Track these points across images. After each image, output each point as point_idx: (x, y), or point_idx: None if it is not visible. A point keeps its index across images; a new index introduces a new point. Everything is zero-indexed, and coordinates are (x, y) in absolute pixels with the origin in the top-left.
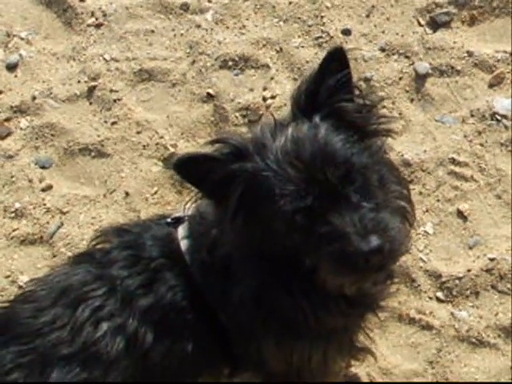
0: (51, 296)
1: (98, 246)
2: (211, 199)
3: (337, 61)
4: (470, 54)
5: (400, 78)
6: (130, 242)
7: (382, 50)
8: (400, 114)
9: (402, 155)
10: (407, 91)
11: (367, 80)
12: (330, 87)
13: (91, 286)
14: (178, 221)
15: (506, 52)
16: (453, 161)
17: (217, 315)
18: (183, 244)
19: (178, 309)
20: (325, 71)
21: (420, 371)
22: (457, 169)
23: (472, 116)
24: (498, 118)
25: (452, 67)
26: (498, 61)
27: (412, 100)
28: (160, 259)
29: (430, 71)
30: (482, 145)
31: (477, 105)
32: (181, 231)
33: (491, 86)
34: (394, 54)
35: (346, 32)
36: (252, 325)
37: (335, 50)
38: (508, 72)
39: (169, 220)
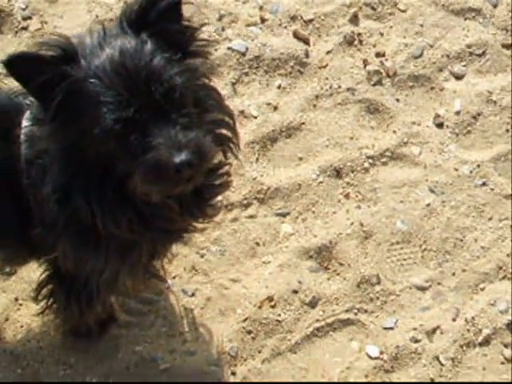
0: None
1: None
2: (37, 100)
3: None
4: None
5: None
6: None
7: None
8: None
9: None
10: None
11: None
12: (161, 8)
13: None
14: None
15: None
16: None
17: (29, 201)
18: (24, 130)
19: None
20: None
21: None
22: None
23: None
24: None
25: None
26: None
27: None
28: None
29: None
30: None
31: None
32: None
33: None
34: None
35: None
36: (54, 221)
37: None
38: None
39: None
